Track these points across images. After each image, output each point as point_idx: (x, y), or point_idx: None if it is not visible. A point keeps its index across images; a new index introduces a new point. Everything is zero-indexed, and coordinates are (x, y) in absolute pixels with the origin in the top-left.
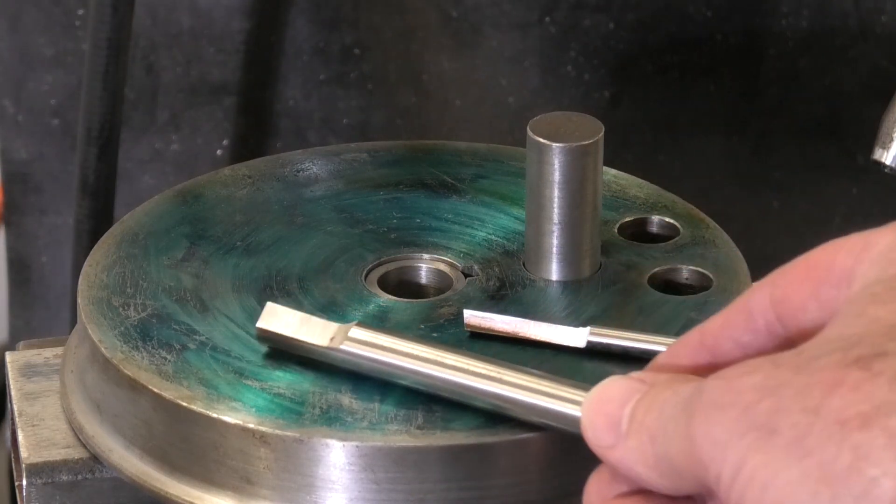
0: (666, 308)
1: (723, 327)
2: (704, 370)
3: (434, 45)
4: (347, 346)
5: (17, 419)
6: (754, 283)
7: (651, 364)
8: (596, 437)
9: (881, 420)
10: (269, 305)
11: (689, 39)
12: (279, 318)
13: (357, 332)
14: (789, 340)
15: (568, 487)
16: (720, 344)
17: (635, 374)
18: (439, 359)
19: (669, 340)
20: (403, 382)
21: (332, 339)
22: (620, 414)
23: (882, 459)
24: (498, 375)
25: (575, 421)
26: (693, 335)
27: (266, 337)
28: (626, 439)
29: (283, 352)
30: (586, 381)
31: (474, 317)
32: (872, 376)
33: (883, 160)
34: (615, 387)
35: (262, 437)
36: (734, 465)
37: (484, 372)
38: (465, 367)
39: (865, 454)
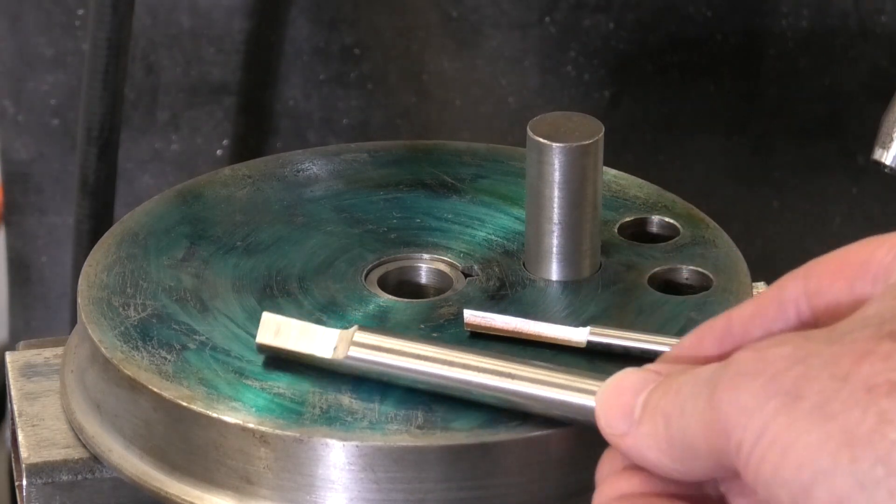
0: (666, 308)
1: (753, 316)
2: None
3: (434, 45)
4: (355, 353)
5: (17, 419)
6: (787, 273)
7: (675, 348)
8: (609, 425)
9: None
10: (266, 316)
11: (689, 39)
12: (278, 331)
13: (361, 336)
14: None
15: (568, 487)
16: (749, 332)
17: (650, 366)
18: (448, 358)
19: (669, 340)
20: (413, 385)
21: (336, 350)
22: (634, 402)
23: None
24: (510, 371)
25: (590, 411)
26: (720, 322)
27: (267, 349)
28: (638, 426)
29: (273, 360)
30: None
31: (474, 317)
32: None
33: (883, 160)
34: (630, 377)
35: (262, 437)
36: (757, 430)
37: (495, 368)
38: (475, 364)
39: (891, 419)
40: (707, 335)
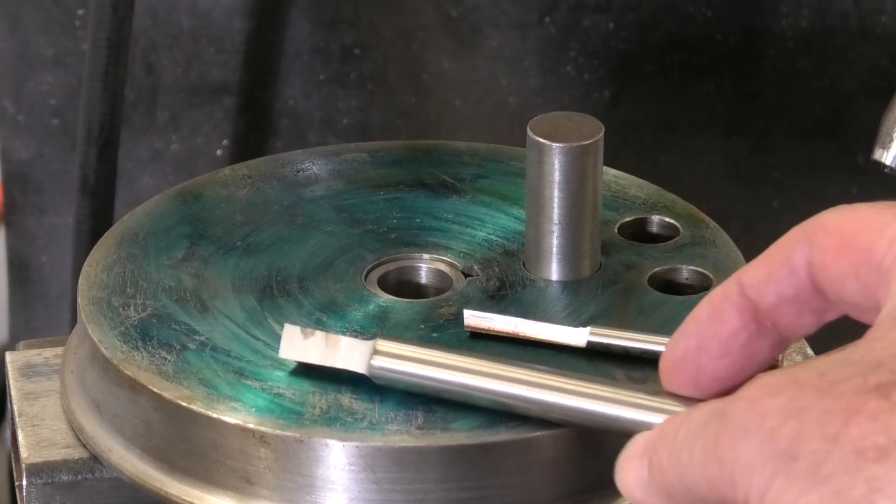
0: (666, 308)
1: (765, 281)
2: (751, 322)
3: (434, 45)
4: (380, 363)
5: (17, 419)
6: (789, 232)
7: (691, 323)
8: (630, 496)
9: None
10: (288, 328)
11: (689, 39)
12: (302, 345)
13: (383, 344)
14: (832, 301)
15: (569, 487)
16: (763, 297)
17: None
18: (476, 368)
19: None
20: (438, 395)
21: (365, 364)
22: (642, 466)
23: (894, 494)
24: (547, 382)
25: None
26: (732, 288)
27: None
28: (648, 487)
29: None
30: None
31: (474, 317)
32: (891, 407)
33: (883, 160)
34: (636, 442)
35: (262, 437)
36: (760, 489)
37: (532, 380)
38: (505, 374)
39: (879, 487)
40: (723, 306)
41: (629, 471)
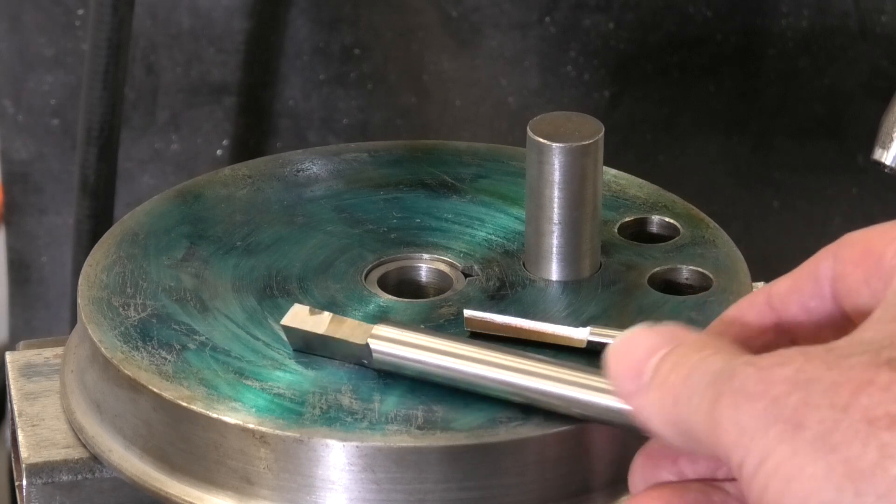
0: (666, 308)
1: (790, 291)
2: (771, 330)
3: (434, 45)
4: (376, 345)
5: (17, 419)
6: (824, 248)
7: (720, 318)
8: (618, 382)
9: None
10: (297, 307)
11: (689, 39)
12: (307, 319)
13: (382, 329)
14: (847, 314)
15: (569, 488)
16: (787, 307)
17: (665, 327)
18: (467, 353)
19: None
20: (430, 379)
21: (363, 337)
22: (646, 364)
23: None
24: (537, 370)
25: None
26: (760, 295)
27: (291, 333)
28: (648, 390)
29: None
30: None
31: (474, 317)
32: None
33: (883, 160)
34: (644, 337)
35: (262, 438)
36: (759, 455)
37: (517, 365)
38: (491, 359)
39: (892, 453)
40: (748, 310)
41: (628, 360)
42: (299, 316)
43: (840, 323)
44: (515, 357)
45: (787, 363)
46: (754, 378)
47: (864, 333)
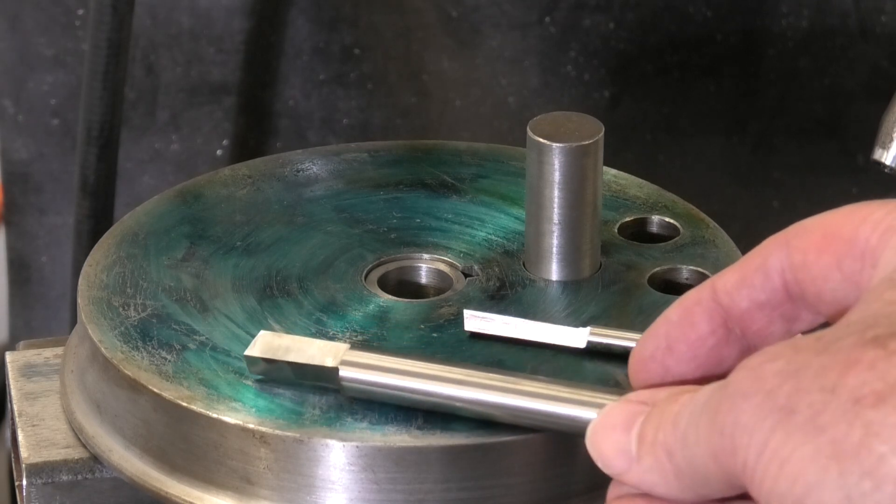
0: (666, 308)
1: (739, 286)
2: (721, 327)
3: (434, 45)
4: (347, 372)
5: (17, 419)
6: (768, 238)
7: (661, 324)
8: (607, 465)
9: (894, 398)
10: (263, 333)
11: (689, 39)
12: (271, 346)
13: (351, 355)
14: (808, 303)
15: (568, 488)
16: (736, 303)
17: (632, 396)
18: (440, 374)
19: None
20: (403, 404)
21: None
22: (628, 439)
23: (892, 437)
24: (512, 386)
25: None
26: (704, 292)
27: (256, 361)
28: (639, 461)
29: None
30: (587, 382)
31: (474, 317)
32: (888, 355)
33: (883, 160)
34: (616, 413)
35: (262, 438)
36: (758, 447)
37: (486, 382)
38: (466, 379)
39: (876, 431)
40: (694, 309)
41: (609, 441)
42: (264, 343)
43: (792, 314)
44: (497, 376)
45: (777, 358)
46: (747, 379)
47: (851, 316)
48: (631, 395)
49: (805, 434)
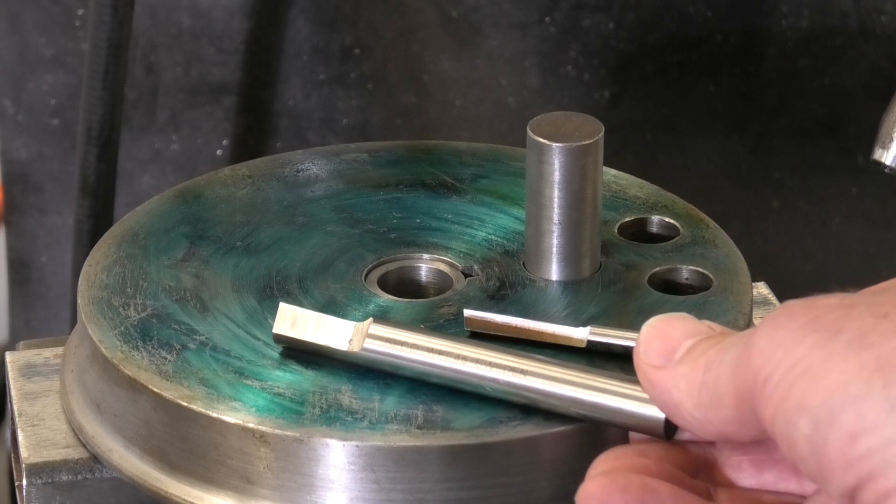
0: (666, 308)
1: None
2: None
3: (434, 45)
4: (370, 345)
5: (17, 419)
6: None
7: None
8: (647, 355)
9: None
10: (283, 307)
11: (689, 39)
12: (295, 321)
13: (376, 328)
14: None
15: (568, 487)
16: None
17: (708, 322)
18: (462, 352)
19: None
20: (426, 378)
21: (351, 342)
22: (679, 344)
23: None
24: (523, 367)
25: (606, 409)
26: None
27: (282, 340)
28: (676, 364)
29: (288, 351)
30: None
31: (474, 316)
32: None
33: (883, 160)
34: (683, 320)
35: (262, 437)
36: (790, 362)
37: (509, 364)
38: (488, 359)
39: None
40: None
41: (663, 336)
42: (287, 319)
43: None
44: (514, 356)
45: (833, 296)
46: (800, 304)
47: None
48: (707, 321)
49: (849, 350)
